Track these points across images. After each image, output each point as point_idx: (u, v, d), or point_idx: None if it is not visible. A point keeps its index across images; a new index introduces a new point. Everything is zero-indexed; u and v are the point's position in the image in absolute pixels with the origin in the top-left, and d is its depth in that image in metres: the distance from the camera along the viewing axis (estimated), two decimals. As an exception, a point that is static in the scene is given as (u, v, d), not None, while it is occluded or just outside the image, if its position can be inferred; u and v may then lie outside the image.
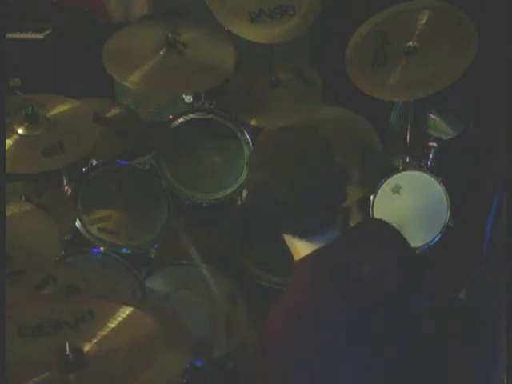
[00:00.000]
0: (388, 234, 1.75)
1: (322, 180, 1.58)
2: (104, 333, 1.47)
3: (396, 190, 2.72)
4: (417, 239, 2.71)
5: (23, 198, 2.37)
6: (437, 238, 2.71)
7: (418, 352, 1.66)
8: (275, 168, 1.56)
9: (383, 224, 1.79)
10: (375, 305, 1.57)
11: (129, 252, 2.67)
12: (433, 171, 2.75)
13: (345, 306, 1.55)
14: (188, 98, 2.92)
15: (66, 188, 2.62)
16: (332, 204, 1.61)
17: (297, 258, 1.64)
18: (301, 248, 1.62)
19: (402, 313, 1.64)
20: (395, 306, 1.62)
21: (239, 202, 2.82)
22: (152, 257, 2.77)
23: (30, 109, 2.25)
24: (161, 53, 2.50)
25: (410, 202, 2.73)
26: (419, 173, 2.74)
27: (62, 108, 2.37)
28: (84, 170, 2.66)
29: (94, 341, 1.44)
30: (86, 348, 1.42)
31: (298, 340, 1.51)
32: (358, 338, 1.54)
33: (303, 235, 1.60)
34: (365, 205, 2.71)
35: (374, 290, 1.58)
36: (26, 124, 2.25)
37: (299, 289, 1.60)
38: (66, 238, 2.57)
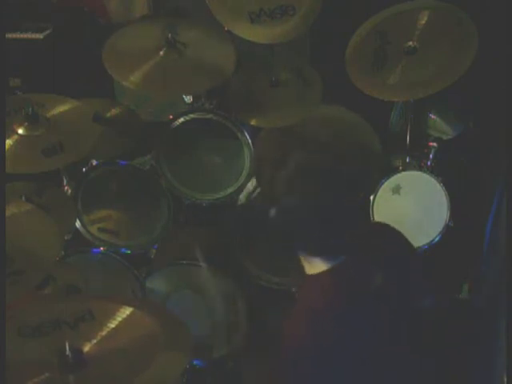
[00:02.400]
0: (394, 240, 1.75)
1: (347, 199, 1.59)
2: (104, 333, 1.47)
3: (396, 190, 2.72)
4: (417, 239, 2.71)
5: (23, 198, 2.36)
6: (437, 238, 2.71)
7: (419, 352, 1.67)
8: (300, 188, 1.55)
9: (388, 229, 1.80)
10: (385, 311, 1.58)
11: (129, 252, 2.67)
12: (433, 171, 2.75)
13: (360, 314, 1.55)
14: (188, 98, 2.91)
15: (66, 188, 2.62)
16: (353, 222, 1.61)
17: (311, 271, 1.64)
18: (318, 263, 1.62)
19: (409, 316, 1.64)
20: (404, 310, 1.63)
21: (240, 203, 2.82)
22: (152, 257, 2.77)
23: (30, 109, 2.25)
24: (161, 53, 2.50)
25: (410, 202, 2.73)
26: (419, 173, 2.74)
27: (61, 108, 2.37)
28: (84, 169, 2.67)
29: (94, 341, 1.44)
30: (86, 348, 1.42)
31: (314, 349, 1.51)
32: (373, 343, 1.54)
33: (327, 256, 1.59)
34: (365, 205, 2.71)
35: (385, 296, 1.59)
36: (26, 124, 2.25)
37: (315, 300, 1.59)
38: (66, 237, 2.57)
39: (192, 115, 2.76)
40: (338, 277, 1.59)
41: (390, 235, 1.76)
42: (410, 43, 2.51)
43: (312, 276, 1.63)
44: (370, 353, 1.53)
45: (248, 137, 2.74)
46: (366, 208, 2.70)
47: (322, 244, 1.59)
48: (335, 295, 1.57)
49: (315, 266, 1.61)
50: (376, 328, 1.55)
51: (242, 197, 2.82)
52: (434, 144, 2.86)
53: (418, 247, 2.71)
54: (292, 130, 2.62)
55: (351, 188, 1.64)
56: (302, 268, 1.66)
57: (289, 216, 1.56)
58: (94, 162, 2.68)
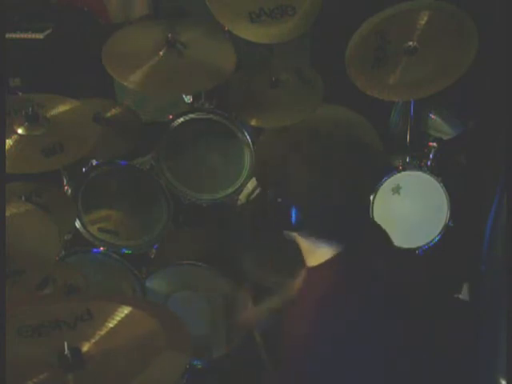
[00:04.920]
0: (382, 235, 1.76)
1: (366, 179, 1.59)
2: (103, 332, 1.46)
3: (396, 190, 2.72)
4: (417, 239, 2.71)
5: (23, 198, 2.36)
6: (437, 238, 2.71)
7: (419, 351, 1.67)
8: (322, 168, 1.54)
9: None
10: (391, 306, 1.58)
11: (129, 252, 2.67)
12: (433, 171, 2.75)
13: (364, 304, 1.55)
14: (188, 98, 2.92)
15: (66, 188, 2.62)
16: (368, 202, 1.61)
17: (312, 262, 1.63)
18: (319, 252, 1.61)
19: (410, 311, 1.65)
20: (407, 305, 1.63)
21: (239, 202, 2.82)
22: (152, 257, 2.77)
23: (30, 109, 2.25)
24: (161, 53, 2.50)
25: (410, 201, 2.74)
26: (419, 173, 2.74)
27: (62, 108, 2.37)
28: (84, 169, 2.67)
29: (93, 340, 1.44)
30: (85, 348, 1.42)
31: (321, 344, 1.51)
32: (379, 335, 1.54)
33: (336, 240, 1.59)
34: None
35: (388, 290, 1.59)
36: (26, 124, 2.25)
37: (322, 292, 1.58)
38: (66, 237, 2.57)
39: (192, 115, 2.77)
40: (338, 266, 1.58)
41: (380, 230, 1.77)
42: (410, 43, 2.51)
43: (312, 269, 1.62)
44: (376, 345, 1.53)
45: (248, 137, 2.75)
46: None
47: (333, 226, 1.58)
48: (336, 285, 1.56)
49: (318, 255, 1.60)
50: (375, 322, 1.55)
51: (242, 197, 2.82)
52: (434, 144, 2.86)
53: (418, 247, 2.71)
54: (293, 131, 2.62)
55: (364, 176, 1.63)
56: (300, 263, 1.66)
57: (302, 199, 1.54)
58: (94, 162, 2.68)
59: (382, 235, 1.73)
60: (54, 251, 2.02)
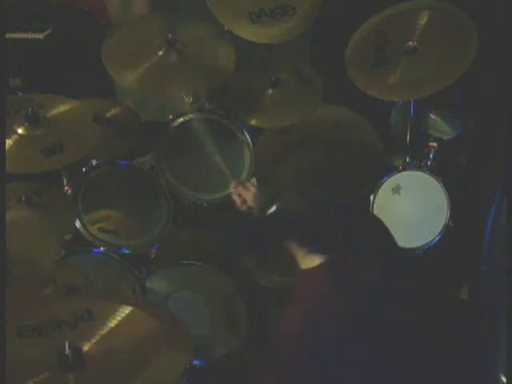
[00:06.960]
0: (383, 236, 1.76)
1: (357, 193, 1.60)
2: (103, 332, 1.47)
3: (396, 190, 2.72)
4: (417, 239, 2.71)
5: (23, 198, 2.36)
6: (437, 238, 2.71)
7: (418, 352, 1.67)
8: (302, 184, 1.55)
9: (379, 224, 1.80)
10: (380, 309, 1.58)
11: (129, 252, 2.67)
12: (433, 171, 2.75)
13: (354, 310, 1.55)
14: (188, 98, 2.92)
15: (66, 188, 2.62)
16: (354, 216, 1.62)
17: (305, 265, 1.64)
18: (313, 256, 1.62)
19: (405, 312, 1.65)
20: (398, 306, 1.63)
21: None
22: (152, 257, 2.77)
23: (30, 109, 2.25)
24: (160, 53, 2.50)
25: (409, 202, 2.74)
26: (419, 173, 2.74)
27: (62, 108, 2.37)
28: (84, 169, 2.67)
29: (94, 340, 1.44)
30: (86, 348, 1.42)
31: (311, 345, 1.51)
32: (369, 341, 1.54)
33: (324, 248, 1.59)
34: (365, 203, 2.72)
35: (379, 294, 1.59)
36: (26, 124, 2.25)
37: (313, 295, 1.59)
38: (66, 237, 2.57)
39: (192, 115, 2.76)
40: (330, 272, 1.59)
41: (381, 230, 1.77)
42: (410, 43, 2.51)
43: (305, 271, 1.63)
44: (365, 349, 1.53)
45: (248, 137, 2.75)
46: (366, 207, 2.71)
47: (321, 235, 1.58)
48: (328, 291, 1.57)
49: (310, 259, 1.61)
50: (368, 324, 1.55)
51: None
52: (434, 144, 2.86)
53: (418, 247, 2.71)
54: (293, 130, 2.62)
55: (353, 184, 1.64)
56: (295, 265, 1.67)
57: (290, 208, 1.55)
58: (94, 162, 2.68)
59: (382, 232, 1.73)
60: (54, 251, 2.02)
